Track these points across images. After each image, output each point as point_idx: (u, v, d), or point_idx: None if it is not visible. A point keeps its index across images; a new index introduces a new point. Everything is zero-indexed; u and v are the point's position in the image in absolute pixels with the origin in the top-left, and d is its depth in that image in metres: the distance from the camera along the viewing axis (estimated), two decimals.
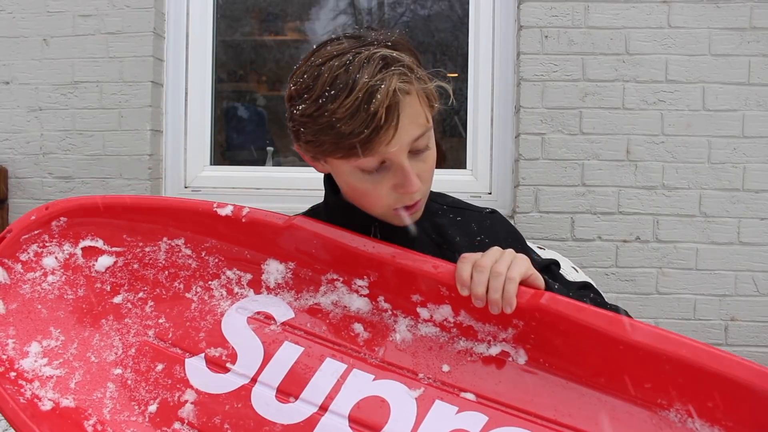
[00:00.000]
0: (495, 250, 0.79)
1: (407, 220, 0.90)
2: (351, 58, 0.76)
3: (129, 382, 0.88)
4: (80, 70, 2.00)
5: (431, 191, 1.02)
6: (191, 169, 2.10)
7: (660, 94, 1.85)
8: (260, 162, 2.30)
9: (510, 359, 0.79)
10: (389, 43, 0.80)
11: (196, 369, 0.87)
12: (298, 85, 0.80)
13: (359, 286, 0.85)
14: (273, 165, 2.26)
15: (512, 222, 1.89)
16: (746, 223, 1.84)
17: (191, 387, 0.86)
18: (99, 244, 0.91)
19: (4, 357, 0.85)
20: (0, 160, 2.03)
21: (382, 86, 0.74)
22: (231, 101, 2.34)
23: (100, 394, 0.87)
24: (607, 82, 1.86)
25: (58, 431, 0.82)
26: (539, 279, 0.79)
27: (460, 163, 2.09)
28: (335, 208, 0.94)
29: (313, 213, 1.03)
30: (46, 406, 0.83)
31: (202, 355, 0.87)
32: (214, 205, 0.89)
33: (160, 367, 0.88)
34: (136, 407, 0.86)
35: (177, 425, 0.84)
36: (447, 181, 2.01)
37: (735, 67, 1.83)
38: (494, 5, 1.99)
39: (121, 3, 1.98)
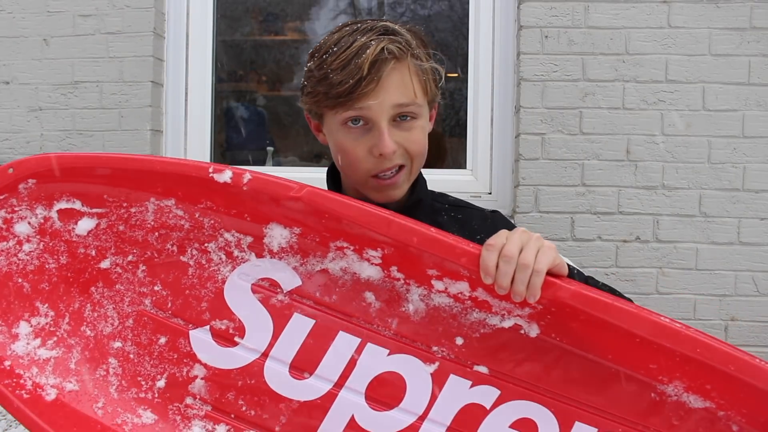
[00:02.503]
0: (520, 233, 0.76)
1: (384, 190, 0.91)
2: (360, 26, 0.87)
3: (131, 356, 0.83)
4: (80, 70, 2.00)
5: (433, 191, 1.04)
6: None
7: (660, 94, 1.85)
8: (260, 162, 2.30)
9: (522, 332, 0.79)
10: (403, 28, 0.89)
11: (202, 342, 0.82)
12: (315, 49, 0.91)
13: (371, 255, 0.80)
14: (273, 165, 2.26)
15: (512, 222, 1.89)
16: (746, 223, 1.84)
17: (199, 362, 0.82)
18: (77, 206, 0.81)
19: None
20: (0, 160, 2.03)
21: (373, 44, 0.83)
22: (231, 101, 2.34)
23: (102, 371, 0.82)
24: (607, 82, 1.86)
25: (69, 422, 0.78)
26: (564, 267, 0.77)
27: (460, 163, 2.09)
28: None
29: None
30: (51, 395, 0.79)
31: (207, 327, 0.82)
32: (210, 170, 0.79)
33: (162, 339, 0.83)
34: (144, 383, 0.82)
35: (189, 400, 0.82)
36: (447, 181, 2.01)
37: (735, 67, 1.83)
38: (494, 5, 1.99)
39: (121, 3, 1.98)
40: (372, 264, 0.80)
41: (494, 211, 1.04)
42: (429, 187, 1.04)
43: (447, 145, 2.24)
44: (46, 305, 0.82)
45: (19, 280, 0.81)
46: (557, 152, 1.87)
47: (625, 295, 0.94)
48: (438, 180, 2.01)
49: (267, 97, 2.36)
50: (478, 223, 0.99)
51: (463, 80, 2.07)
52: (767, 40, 1.83)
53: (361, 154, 0.88)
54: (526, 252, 0.73)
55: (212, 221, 0.82)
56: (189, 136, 2.10)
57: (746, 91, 1.83)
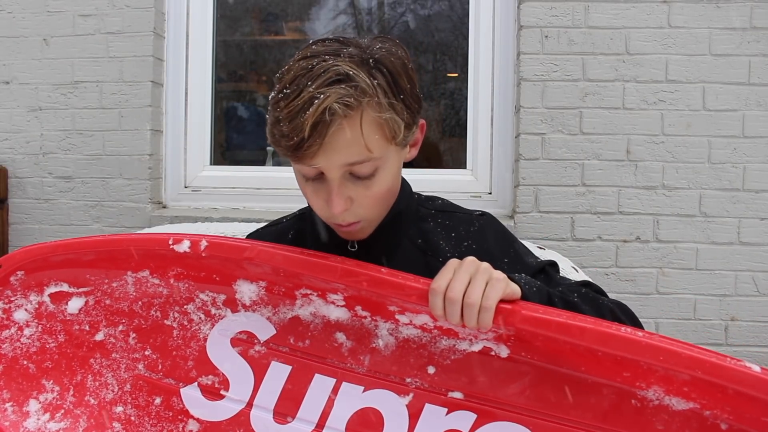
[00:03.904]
0: (467, 266, 0.75)
1: (343, 235, 0.90)
2: (315, 63, 0.77)
3: (133, 418, 0.89)
4: (80, 70, 2.00)
5: (420, 196, 1.02)
6: (191, 169, 2.10)
7: (660, 94, 1.85)
8: (260, 162, 2.30)
9: (493, 353, 0.79)
10: (370, 59, 0.79)
11: (192, 398, 0.88)
12: (279, 73, 0.82)
13: (334, 299, 0.83)
14: (273, 165, 2.26)
15: (512, 222, 1.89)
16: (746, 223, 1.84)
17: (192, 417, 0.88)
18: (65, 288, 0.89)
19: (7, 423, 0.85)
20: (0, 160, 2.03)
21: (316, 101, 0.74)
22: (231, 101, 2.34)
23: None
24: (607, 82, 1.86)
25: None
26: (516, 292, 0.77)
27: (460, 163, 2.09)
28: (310, 221, 0.96)
29: (300, 215, 1.05)
30: None
31: (195, 384, 0.88)
32: (170, 242, 0.85)
33: (158, 400, 0.89)
34: None
35: None
36: (447, 181, 2.01)
37: (735, 67, 1.83)
38: (494, 5, 1.99)
39: (121, 3, 1.98)
40: (337, 306, 0.83)
41: (482, 214, 1.01)
42: (425, 188, 1.03)
43: (447, 145, 2.24)
44: (51, 381, 0.90)
45: (25, 362, 0.89)
46: (557, 152, 1.87)
47: (624, 295, 0.93)
48: (438, 180, 2.02)
49: (267, 97, 2.36)
50: (465, 228, 0.97)
51: (463, 80, 2.07)
52: (767, 40, 1.83)
53: (318, 204, 0.84)
54: (472, 289, 0.73)
55: (186, 285, 0.88)
56: (189, 136, 2.10)
57: (746, 91, 1.83)
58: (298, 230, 1.02)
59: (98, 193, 2.01)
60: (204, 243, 0.84)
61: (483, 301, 0.73)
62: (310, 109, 0.74)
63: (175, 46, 2.07)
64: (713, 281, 1.85)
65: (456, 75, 2.20)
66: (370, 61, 0.79)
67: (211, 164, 2.13)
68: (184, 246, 0.84)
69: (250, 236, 1.07)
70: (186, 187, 2.10)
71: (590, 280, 1.10)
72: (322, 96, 0.74)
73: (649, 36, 1.85)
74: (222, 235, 1.54)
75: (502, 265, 0.93)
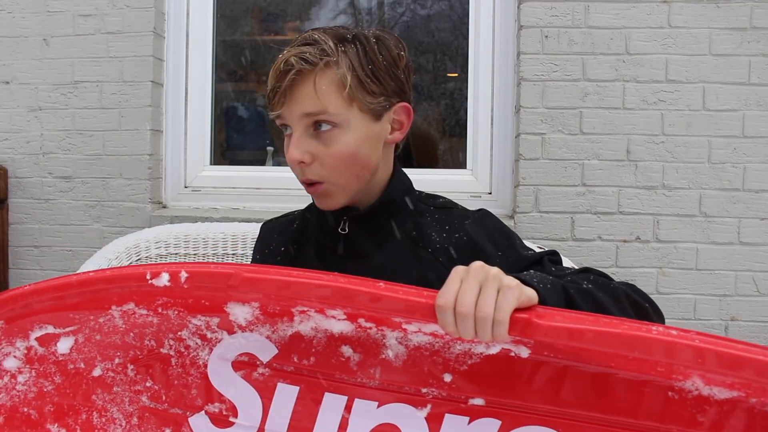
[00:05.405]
0: (474, 273, 0.69)
1: (317, 198, 0.95)
2: (300, 36, 0.92)
3: None
4: (80, 70, 2.00)
5: (420, 192, 1.03)
6: (191, 168, 2.10)
7: (660, 94, 1.85)
8: (260, 162, 2.30)
9: (512, 354, 0.73)
10: (349, 35, 0.90)
11: (202, 427, 0.85)
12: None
13: (334, 313, 0.77)
14: (273, 165, 2.26)
15: (512, 222, 1.89)
16: (746, 223, 1.84)
17: None
18: (50, 329, 0.85)
19: None
20: (0, 160, 2.03)
21: (281, 56, 0.89)
22: (231, 101, 2.34)
23: None
24: (607, 82, 1.86)
25: None
26: (532, 297, 0.71)
27: (460, 163, 2.09)
28: (312, 207, 1.02)
29: (307, 208, 1.10)
30: None
31: (203, 412, 0.85)
32: (148, 276, 0.80)
33: (168, 431, 0.86)
34: None
35: None
36: (447, 181, 2.01)
37: (735, 67, 1.83)
38: (494, 5, 1.99)
39: (121, 3, 1.98)
40: (339, 320, 0.77)
41: (479, 210, 1.01)
42: (425, 188, 1.03)
43: (447, 145, 2.24)
44: (56, 425, 0.87)
45: (25, 410, 0.86)
46: (557, 152, 1.87)
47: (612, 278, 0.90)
48: (438, 180, 2.02)
49: (267, 97, 2.36)
50: (458, 222, 0.97)
51: (463, 80, 2.07)
52: (767, 40, 1.83)
53: (288, 162, 0.93)
54: (483, 300, 0.67)
55: (176, 312, 0.83)
56: (189, 136, 2.10)
57: (746, 91, 1.83)
58: (303, 219, 1.08)
59: (98, 193, 2.01)
60: (184, 274, 0.79)
61: (496, 314, 0.67)
62: (277, 63, 0.89)
63: (175, 46, 2.07)
64: (713, 281, 1.85)
65: (456, 75, 2.20)
66: (348, 36, 0.90)
67: (211, 164, 2.13)
68: (164, 279, 0.79)
69: (264, 225, 1.14)
70: (186, 187, 2.10)
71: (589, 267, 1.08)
72: (287, 53, 0.88)
73: (649, 36, 1.85)
74: (217, 237, 1.52)
75: (495, 258, 0.92)
